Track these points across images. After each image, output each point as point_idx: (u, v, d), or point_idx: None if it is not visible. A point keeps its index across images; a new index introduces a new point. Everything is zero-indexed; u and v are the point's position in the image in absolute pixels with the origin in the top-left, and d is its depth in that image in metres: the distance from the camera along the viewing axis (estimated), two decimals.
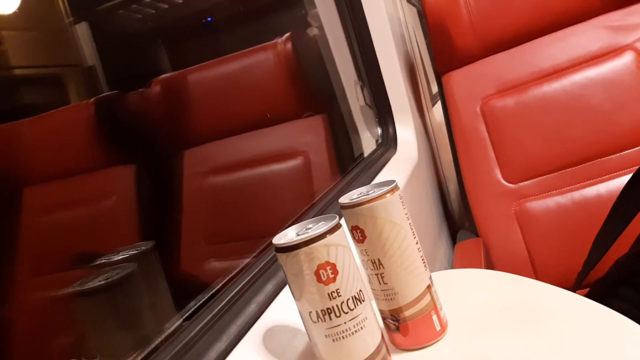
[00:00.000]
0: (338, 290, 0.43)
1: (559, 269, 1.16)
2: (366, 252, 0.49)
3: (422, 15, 1.48)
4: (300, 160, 1.23)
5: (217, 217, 1.19)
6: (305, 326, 0.46)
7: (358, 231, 0.49)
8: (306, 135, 1.25)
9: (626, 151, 1.19)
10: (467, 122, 1.34)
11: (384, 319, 0.51)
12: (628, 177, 0.90)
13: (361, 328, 0.44)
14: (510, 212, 1.24)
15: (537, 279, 1.05)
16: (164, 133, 1.24)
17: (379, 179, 1.06)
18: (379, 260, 0.49)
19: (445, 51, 1.39)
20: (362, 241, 0.49)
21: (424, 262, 0.50)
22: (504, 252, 1.24)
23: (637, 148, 1.18)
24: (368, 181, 1.03)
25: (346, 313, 0.44)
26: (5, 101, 0.78)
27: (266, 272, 0.62)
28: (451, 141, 1.43)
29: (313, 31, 1.42)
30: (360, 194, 0.50)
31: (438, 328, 0.50)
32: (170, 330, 0.51)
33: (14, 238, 0.72)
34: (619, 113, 1.20)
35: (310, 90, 1.33)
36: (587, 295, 0.75)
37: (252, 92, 1.27)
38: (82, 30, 1.02)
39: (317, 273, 0.43)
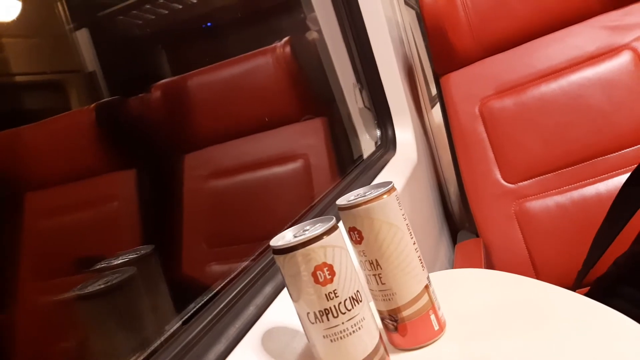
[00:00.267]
0: (335, 291, 0.44)
1: (559, 268, 1.16)
2: (364, 253, 0.49)
3: (421, 18, 1.49)
4: (300, 162, 1.23)
5: (217, 220, 1.20)
6: (303, 327, 0.46)
7: (355, 232, 0.49)
8: (306, 138, 1.26)
9: (625, 150, 1.19)
10: (466, 123, 1.34)
11: (382, 319, 0.51)
12: (627, 176, 0.91)
13: (359, 328, 0.45)
14: (510, 212, 1.25)
15: (537, 278, 1.05)
16: (165, 137, 1.25)
17: (378, 180, 1.06)
18: (376, 261, 0.49)
19: (444, 53, 1.40)
20: (359, 242, 0.49)
21: (421, 263, 0.50)
22: (504, 252, 1.24)
23: (635, 147, 1.18)
24: (367, 183, 1.03)
25: (344, 313, 0.44)
26: (7, 107, 0.79)
27: (265, 275, 0.63)
28: (450, 142, 1.44)
29: (312, 35, 1.43)
30: (358, 195, 0.51)
31: (436, 328, 0.50)
32: (169, 333, 0.51)
33: (16, 242, 0.72)
34: (617, 113, 1.21)
35: (310, 93, 1.33)
36: (587, 294, 0.75)
37: (251, 96, 1.28)
38: (83, 37, 1.03)
39: (314, 274, 0.43)
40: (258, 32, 1.45)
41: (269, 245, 0.46)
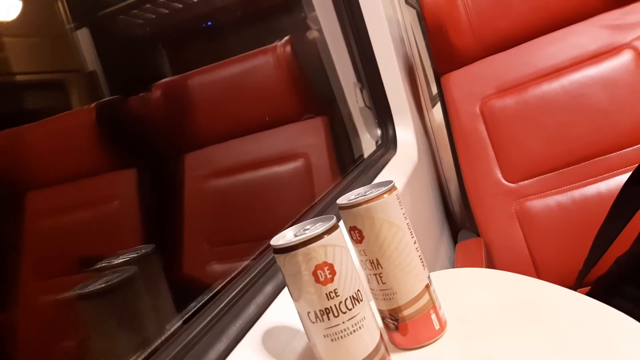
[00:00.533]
0: (336, 290, 0.44)
1: (560, 267, 1.16)
2: (364, 253, 0.49)
3: (421, 17, 1.49)
4: (301, 162, 1.23)
5: (218, 219, 1.20)
6: (304, 326, 0.46)
7: (356, 231, 0.49)
8: (306, 138, 1.26)
9: (626, 149, 1.19)
10: (466, 123, 1.34)
11: (383, 318, 0.51)
12: (628, 175, 0.90)
13: (359, 328, 0.45)
14: (511, 211, 1.25)
15: (538, 277, 1.05)
16: (165, 137, 1.25)
17: (379, 179, 1.06)
18: (377, 260, 0.49)
19: (444, 52, 1.40)
20: (360, 241, 0.49)
21: (422, 262, 0.50)
22: (505, 251, 1.24)
23: (636, 146, 1.18)
24: (368, 182, 1.03)
25: (344, 313, 0.44)
26: (7, 106, 0.79)
27: (265, 274, 0.62)
28: (451, 141, 1.44)
29: (312, 34, 1.43)
30: (358, 194, 0.50)
31: (437, 327, 0.50)
32: (170, 332, 0.51)
33: (16, 242, 0.72)
34: (618, 112, 1.21)
35: (310, 92, 1.33)
36: (588, 294, 0.75)
37: (252, 95, 1.28)
38: (83, 36, 1.03)
39: (315, 273, 0.43)
40: (259, 31, 1.45)
41: (269, 245, 0.45)
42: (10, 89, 0.81)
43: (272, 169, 1.24)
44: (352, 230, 0.49)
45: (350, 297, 0.44)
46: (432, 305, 0.51)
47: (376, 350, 0.45)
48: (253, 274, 0.62)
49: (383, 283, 0.49)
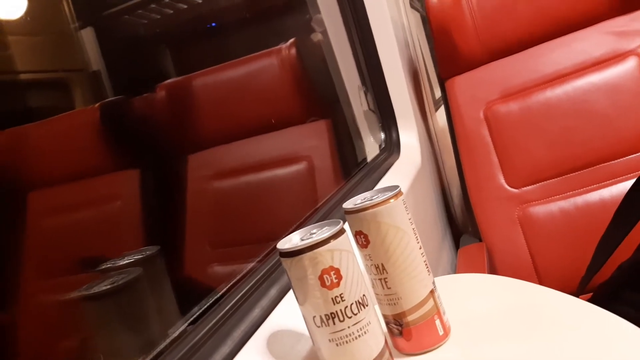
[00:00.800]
0: (342, 295, 0.44)
1: (562, 273, 1.16)
2: (370, 257, 0.49)
3: (426, 21, 1.49)
4: (304, 165, 1.23)
5: (221, 221, 1.20)
6: (309, 330, 0.46)
7: (362, 236, 0.49)
8: (310, 140, 1.26)
9: (629, 156, 1.19)
10: (470, 127, 1.34)
11: (387, 323, 0.51)
12: (631, 182, 0.90)
13: (365, 332, 0.45)
14: (514, 216, 1.25)
15: (540, 283, 1.05)
16: (169, 137, 1.25)
17: (382, 183, 1.06)
18: (382, 265, 0.49)
19: (449, 56, 1.40)
20: (365, 246, 0.49)
21: (427, 267, 0.50)
22: (507, 256, 1.23)
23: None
24: (371, 186, 1.03)
25: (350, 317, 0.44)
26: (11, 105, 0.79)
27: (270, 277, 0.62)
28: (454, 146, 1.44)
29: (317, 36, 1.43)
30: (364, 199, 0.50)
31: (441, 333, 0.50)
32: (175, 335, 0.51)
33: (20, 242, 0.73)
34: (622, 118, 1.21)
35: (314, 95, 1.33)
36: (591, 300, 0.75)
37: (256, 97, 1.28)
38: (88, 35, 1.03)
39: (321, 278, 0.43)
40: (264, 33, 1.45)
41: (274, 247, 0.46)
42: (14, 87, 0.81)
43: (276, 172, 1.24)
44: (357, 234, 0.49)
45: (356, 301, 0.44)
46: (437, 310, 0.51)
47: (381, 355, 0.45)
48: (258, 276, 0.62)
49: (388, 288, 0.49)
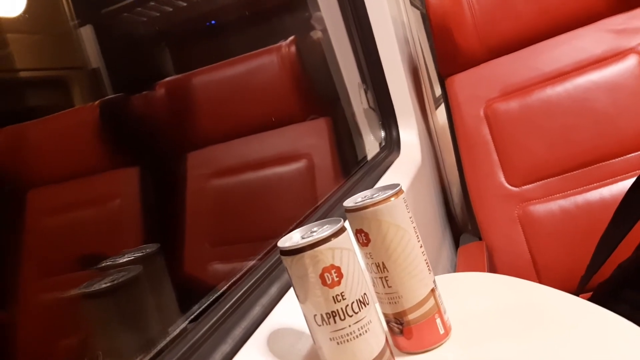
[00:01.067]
0: (343, 294, 0.44)
1: (562, 272, 1.16)
2: (370, 256, 0.49)
3: (426, 18, 1.48)
4: (304, 163, 1.23)
5: (221, 219, 1.19)
6: (309, 329, 0.46)
7: (362, 234, 0.49)
8: (310, 138, 1.26)
9: (630, 155, 1.19)
10: (470, 125, 1.34)
11: (387, 322, 0.51)
12: (632, 180, 0.90)
13: (365, 331, 0.44)
14: (514, 215, 1.25)
15: (540, 282, 1.05)
16: (168, 135, 1.25)
17: (382, 182, 1.06)
18: (383, 263, 0.49)
19: (449, 54, 1.40)
20: (366, 244, 0.49)
21: (428, 266, 0.50)
22: (507, 255, 1.23)
23: None
24: (371, 184, 1.03)
25: (350, 316, 0.44)
26: (10, 103, 0.79)
27: (271, 275, 0.62)
28: (454, 144, 1.44)
29: (317, 34, 1.42)
30: (365, 197, 0.50)
31: (442, 331, 0.50)
32: (175, 333, 0.51)
33: (20, 241, 0.72)
34: (622, 116, 1.20)
35: (314, 93, 1.33)
36: (590, 299, 0.75)
37: (256, 95, 1.28)
38: (87, 33, 1.03)
39: (321, 276, 0.43)
40: (263, 30, 1.44)
41: (274, 246, 0.45)
42: (13, 85, 0.81)
43: (276, 170, 1.24)
44: (358, 233, 0.49)
45: (356, 300, 0.44)
46: (437, 309, 0.50)
47: (382, 354, 0.45)
48: (258, 275, 0.62)
49: (389, 287, 0.49)
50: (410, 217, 0.49)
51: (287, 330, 0.53)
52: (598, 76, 1.25)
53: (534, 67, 1.32)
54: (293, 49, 1.26)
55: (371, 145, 1.39)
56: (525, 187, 1.26)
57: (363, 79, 1.38)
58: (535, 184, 1.25)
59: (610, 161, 1.20)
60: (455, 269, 1.22)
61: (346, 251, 0.44)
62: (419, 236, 0.50)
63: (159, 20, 1.34)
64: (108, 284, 0.53)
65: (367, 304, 0.45)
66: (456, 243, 1.50)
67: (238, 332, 0.50)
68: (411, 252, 0.49)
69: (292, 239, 0.46)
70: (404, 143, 1.31)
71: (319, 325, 0.44)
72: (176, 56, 1.35)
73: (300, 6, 1.51)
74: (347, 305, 0.44)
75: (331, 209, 0.88)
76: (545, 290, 0.56)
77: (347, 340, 0.44)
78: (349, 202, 0.50)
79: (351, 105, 1.40)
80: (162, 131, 1.23)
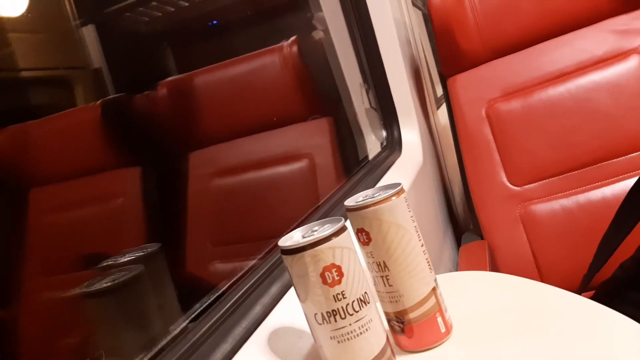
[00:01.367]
0: (343, 293, 0.44)
1: (564, 271, 1.16)
2: (371, 255, 0.49)
3: (428, 19, 1.48)
4: (306, 162, 1.23)
5: (223, 219, 1.20)
6: (310, 328, 0.46)
7: (363, 234, 0.49)
8: (312, 138, 1.26)
9: (632, 154, 1.19)
10: (472, 125, 1.34)
11: (389, 321, 0.51)
12: (634, 180, 0.90)
13: (366, 330, 0.44)
14: (516, 214, 1.24)
15: (542, 281, 1.05)
16: (170, 135, 1.25)
17: (384, 181, 1.06)
18: (384, 262, 0.49)
19: (451, 54, 1.40)
20: (367, 244, 0.49)
21: (429, 265, 0.50)
22: (509, 254, 1.23)
23: None
24: (373, 184, 1.03)
25: (351, 315, 0.44)
26: (13, 103, 0.79)
27: (271, 274, 0.62)
28: (456, 144, 1.44)
29: (319, 34, 1.42)
30: (366, 196, 0.50)
31: (443, 330, 0.50)
32: (176, 332, 0.51)
33: (22, 239, 0.73)
34: (624, 117, 1.20)
35: (316, 93, 1.33)
36: (593, 298, 0.75)
37: (258, 95, 1.28)
38: (89, 33, 1.03)
39: (322, 275, 0.43)
40: (265, 30, 1.45)
41: (275, 245, 0.45)
42: (16, 85, 0.81)
43: (277, 169, 1.24)
44: (359, 232, 0.49)
45: (357, 299, 0.44)
46: (439, 308, 0.50)
47: (382, 352, 0.45)
48: (259, 274, 0.62)
49: (390, 285, 0.49)
50: (411, 217, 0.49)
51: (287, 329, 0.53)
52: (600, 77, 1.25)
53: (535, 68, 1.32)
54: (295, 49, 1.26)
55: (372, 145, 1.39)
56: (527, 186, 1.25)
57: (365, 79, 1.38)
58: (537, 183, 1.25)
59: (612, 161, 1.20)
60: (457, 268, 1.22)
61: (347, 250, 0.44)
62: (420, 235, 0.50)
63: (161, 20, 1.35)
64: (109, 283, 0.53)
65: (368, 303, 0.45)
66: (458, 242, 1.49)
67: (239, 331, 0.50)
68: (412, 251, 0.49)
69: (292, 238, 0.46)
70: (405, 143, 1.31)
71: (320, 324, 0.44)
72: (178, 56, 1.35)
73: (302, 6, 1.52)
74: (348, 304, 0.44)
75: (332, 209, 0.88)
76: (548, 289, 0.56)
77: (348, 339, 0.44)
78: (350, 202, 0.50)
79: (353, 105, 1.40)
80: (164, 131, 1.23)
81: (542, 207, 1.22)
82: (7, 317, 0.59)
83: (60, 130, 0.94)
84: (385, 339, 0.46)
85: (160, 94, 1.25)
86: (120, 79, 1.06)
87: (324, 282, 0.43)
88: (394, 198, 0.48)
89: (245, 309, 0.54)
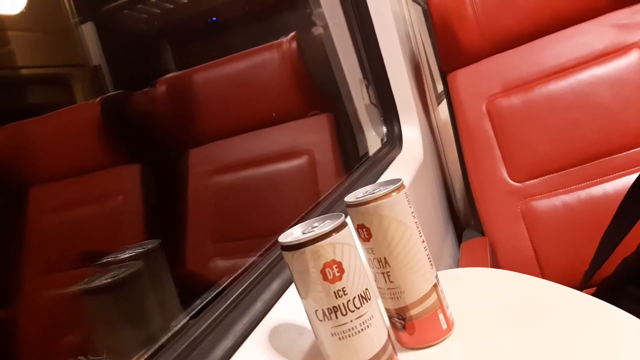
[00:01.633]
0: (344, 289, 0.43)
1: (566, 267, 1.16)
2: (372, 251, 0.49)
3: (427, 14, 1.48)
4: (306, 159, 1.23)
5: (223, 215, 1.19)
6: (311, 324, 0.46)
7: (364, 230, 0.49)
8: (312, 134, 1.25)
9: (633, 150, 1.18)
10: (472, 121, 1.33)
11: (390, 317, 0.51)
12: (635, 175, 0.90)
13: (367, 326, 0.44)
14: (517, 210, 1.24)
15: (543, 277, 1.05)
16: (170, 132, 1.25)
17: (384, 177, 1.06)
18: (385, 259, 0.48)
19: (451, 50, 1.39)
20: (368, 240, 0.49)
21: (430, 261, 0.50)
22: (510, 251, 1.23)
23: None
24: (373, 180, 1.03)
25: (352, 311, 0.44)
26: (12, 101, 0.78)
27: (272, 271, 0.62)
28: (457, 140, 1.43)
29: (318, 30, 1.42)
30: (366, 192, 0.50)
31: (444, 327, 0.50)
32: (176, 328, 0.51)
33: (22, 236, 0.72)
34: (625, 111, 1.20)
35: (316, 89, 1.33)
36: (594, 294, 0.75)
37: (257, 91, 1.27)
38: (88, 30, 1.03)
39: (323, 271, 0.43)
40: (264, 27, 1.44)
41: (276, 241, 0.45)
42: (15, 82, 0.81)
43: (277, 166, 1.24)
44: (360, 228, 0.49)
45: (358, 295, 0.44)
46: (440, 304, 0.50)
47: (384, 349, 0.45)
48: (259, 270, 0.62)
49: (390, 282, 0.49)
50: (412, 213, 0.49)
51: (288, 326, 0.53)
52: (601, 71, 1.25)
53: (536, 62, 1.32)
54: (294, 45, 1.26)
55: (373, 141, 1.38)
56: (528, 182, 1.25)
57: (364, 75, 1.38)
58: (538, 179, 1.24)
59: (614, 156, 1.19)
60: (458, 264, 1.22)
61: (347, 246, 0.44)
62: (420, 231, 0.50)
63: (160, 17, 1.34)
64: (109, 280, 0.53)
65: (369, 299, 0.45)
66: (459, 239, 1.49)
67: (239, 327, 0.50)
68: (413, 247, 0.49)
69: (293, 234, 0.46)
70: (405, 139, 1.31)
71: (321, 321, 0.44)
72: (177, 53, 1.35)
73: (302, 2, 1.51)
74: (349, 300, 0.44)
75: (333, 205, 0.88)
76: (549, 285, 0.56)
77: (349, 336, 0.44)
78: (350, 198, 0.50)
79: (353, 101, 1.40)
80: (163, 128, 1.23)
81: (543, 203, 1.22)
82: (6, 315, 0.58)
83: (60, 128, 0.94)
84: (386, 336, 0.46)
85: (159, 91, 1.25)
86: (119, 77, 1.06)
87: (325, 278, 0.43)
88: (394, 194, 0.48)
89: (245, 306, 0.54)
